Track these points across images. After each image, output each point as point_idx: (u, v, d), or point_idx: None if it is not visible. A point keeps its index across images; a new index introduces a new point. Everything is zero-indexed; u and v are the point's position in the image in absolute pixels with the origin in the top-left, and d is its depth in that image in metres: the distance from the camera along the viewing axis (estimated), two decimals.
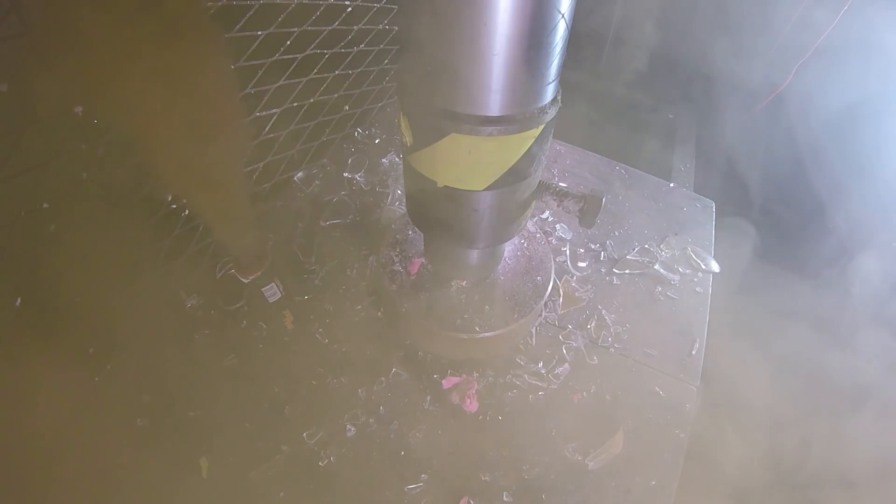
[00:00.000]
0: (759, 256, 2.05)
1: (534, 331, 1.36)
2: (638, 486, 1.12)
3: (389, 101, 1.93)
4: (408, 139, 0.95)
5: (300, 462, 1.08)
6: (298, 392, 1.19)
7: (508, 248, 1.37)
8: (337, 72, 1.47)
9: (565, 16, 0.75)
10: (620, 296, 1.48)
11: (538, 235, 1.45)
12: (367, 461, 1.10)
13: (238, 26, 1.06)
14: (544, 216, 1.67)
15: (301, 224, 1.51)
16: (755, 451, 1.54)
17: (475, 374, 1.25)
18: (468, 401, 1.20)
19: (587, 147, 1.96)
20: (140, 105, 0.84)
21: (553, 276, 1.36)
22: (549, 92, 0.88)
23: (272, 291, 1.25)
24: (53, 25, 0.74)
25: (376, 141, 1.82)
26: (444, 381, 1.24)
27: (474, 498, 1.07)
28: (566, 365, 1.30)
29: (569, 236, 1.61)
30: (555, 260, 1.48)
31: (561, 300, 1.44)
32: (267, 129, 1.33)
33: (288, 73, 1.27)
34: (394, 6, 1.52)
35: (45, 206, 0.88)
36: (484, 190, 0.96)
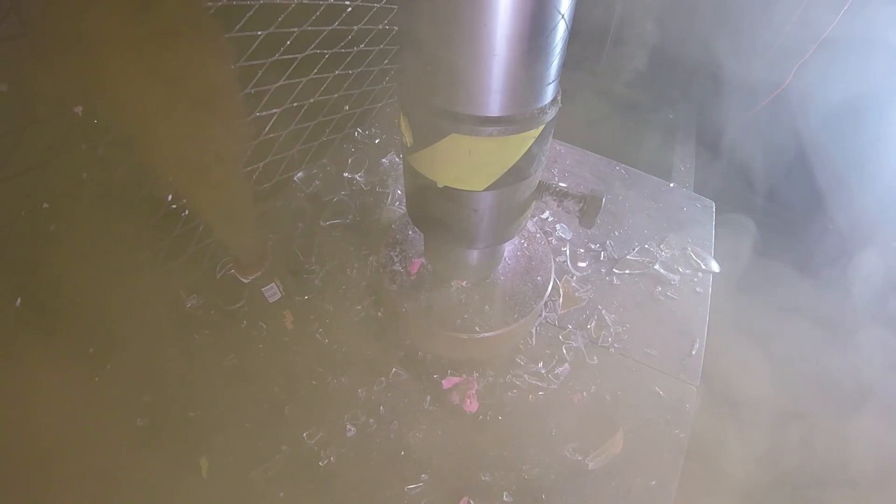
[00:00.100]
0: (760, 255, 2.05)
1: (534, 331, 1.36)
2: (638, 486, 1.12)
3: (389, 101, 1.93)
4: (408, 139, 0.95)
5: (300, 462, 1.08)
6: (298, 392, 1.19)
7: (508, 248, 1.37)
8: (337, 72, 1.47)
9: (565, 16, 0.75)
10: (620, 296, 1.48)
11: (538, 235, 1.45)
12: (367, 461, 1.10)
13: (238, 26, 1.06)
14: (544, 216, 1.67)
15: (301, 224, 1.51)
16: (755, 450, 1.54)
17: (475, 374, 1.25)
18: (468, 401, 1.20)
19: (587, 147, 1.96)
20: (140, 105, 0.84)
21: (553, 276, 1.36)
22: (549, 92, 0.88)
23: (272, 291, 1.25)
24: (53, 25, 0.74)
25: (376, 141, 1.82)
26: (444, 381, 1.24)
27: (474, 498, 1.07)
28: (566, 365, 1.30)
29: (569, 236, 1.61)
30: (555, 260, 1.48)
31: (561, 300, 1.44)
32: (267, 129, 1.33)
33: (288, 73, 1.27)
34: (394, 6, 1.52)
35: (45, 205, 0.88)
36: (484, 190, 0.96)
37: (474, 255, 1.23)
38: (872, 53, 1.91)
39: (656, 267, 1.55)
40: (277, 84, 1.26)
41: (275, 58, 1.20)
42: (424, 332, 1.25)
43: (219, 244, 1.32)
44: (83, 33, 0.73)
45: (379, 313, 1.35)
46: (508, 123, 0.84)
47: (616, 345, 1.36)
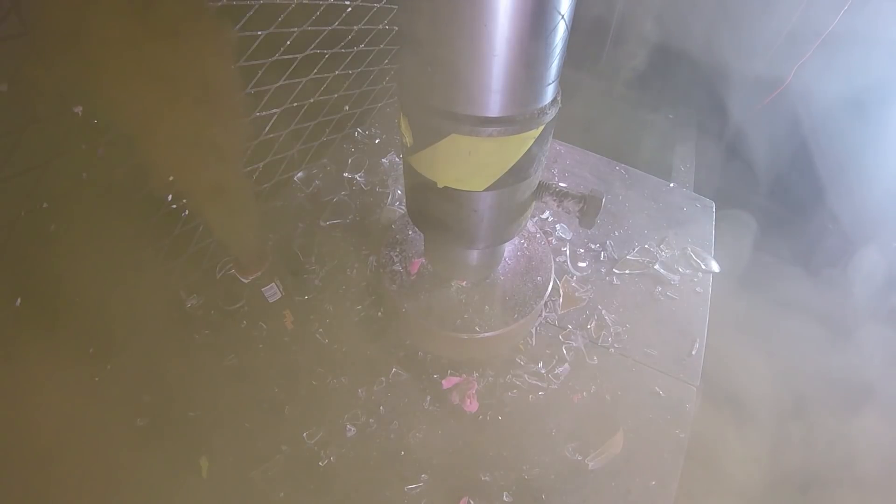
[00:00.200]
0: (760, 254, 2.05)
1: (534, 331, 1.36)
2: (638, 486, 1.12)
3: (389, 101, 1.93)
4: (408, 140, 0.95)
5: (300, 462, 1.08)
6: (298, 392, 1.19)
7: (508, 249, 1.37)
8: (337, 72, 1.47)
9: (565, 16, 0.75)
10: (620, 296, 1.48)
11: (538, 235, 1.45)
12: (367, 461, 1.10)
13: (238, 26, 1.06)
14: (544, 216, 1.66)
15: (301, 224, 1.51)
16: (756, 450, 1.54)
17: (475, 374, 1.25)
18: (468, 401, 1.20)
19: (587, 147, 1.96)
20: (140, 105, 0.84)
21: (553, 276, 1.36)
22: (549, 92, 0.88)
23: (272, 291, 1.25)
24: (53, 25, 0.74)
25: (376, 141, 1.82)
26: (444, 381, 1.24)
27: (474, 498, 1.07)
28: (566, 365, 1.30)
29: (569, 236, 1.61)
30: (555, 260, 1.48)
31: (561, 300, 1.44)
32: (267, 129, 1.32)
33: (288, 73, 1.27)
34: (394, 6, 1.52)
35: (45, 205, 0.88)
36: (484, 190, 0.96)
37: (474, 256, 1.23)
38: (874, 52, 1.90)
39: (656, 267, 1.55)
40: (277, 84, 1.26)
41: (275, 58, 1.20)
42: (424, 332, 1.25)
43: (219, 244, 1.32)
44: (83, 33, 0.73)
45: (379, 313, 1.35)
46: (508, 124, 0.84)
47: (616, 345, 1.36)
